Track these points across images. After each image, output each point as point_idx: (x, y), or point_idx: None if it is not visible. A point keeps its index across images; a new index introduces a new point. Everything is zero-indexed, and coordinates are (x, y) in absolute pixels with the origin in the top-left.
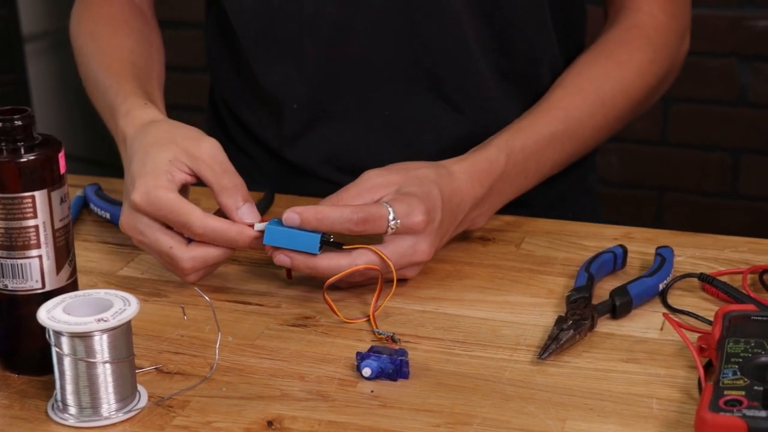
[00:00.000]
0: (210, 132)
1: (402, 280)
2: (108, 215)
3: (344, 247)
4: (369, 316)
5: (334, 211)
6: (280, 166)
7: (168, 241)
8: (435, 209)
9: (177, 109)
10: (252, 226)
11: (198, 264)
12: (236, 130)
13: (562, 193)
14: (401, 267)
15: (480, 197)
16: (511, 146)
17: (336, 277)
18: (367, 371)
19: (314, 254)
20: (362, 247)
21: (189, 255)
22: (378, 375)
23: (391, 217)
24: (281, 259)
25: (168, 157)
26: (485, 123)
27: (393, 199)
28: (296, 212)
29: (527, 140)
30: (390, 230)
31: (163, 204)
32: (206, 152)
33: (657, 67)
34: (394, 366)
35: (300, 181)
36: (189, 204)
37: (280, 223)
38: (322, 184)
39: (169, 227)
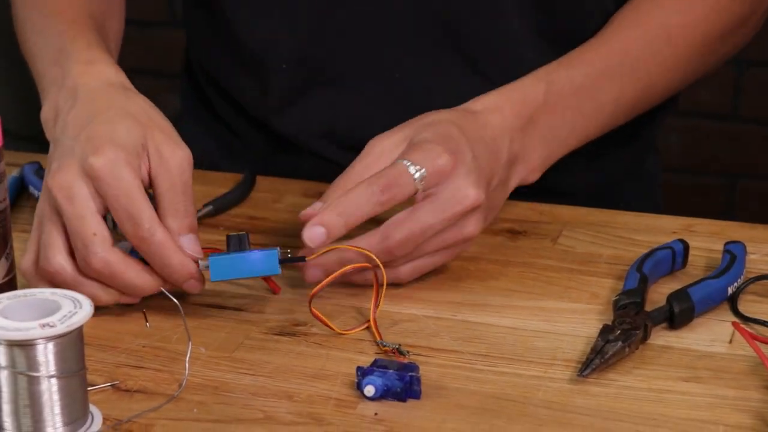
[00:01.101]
0: (185, 100)
1: (401, 286)
2: None
3: (307, 259)
4: (369, 323)
5: (351, 197)
6: (267, 141)
7: (96, 226)
8: (459, 147)
9: (129, 73)
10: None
11: (107, 271)
12: (215, 97)
13: (612, 179)
14: (454, 224)
15: (518, 129)
16: (553, 76)
17: (320, 286)
18: (370, 390)
19: (276, 274)
20: (338, 248)
21: (108, 255)
22: (383, 394)
23: (412, 170)
24: (314, 273)
25: (141, 139)
26: None
27: (405, 153)
28: (316, 224)
29: (574, 71)
30: (419, 186)
31: (124, 185)
32: (177, 163)
33: None
34: (402, 384)
35: (291, 159)
36: (149, 202)
37: (220, 254)
38: (317, 163)
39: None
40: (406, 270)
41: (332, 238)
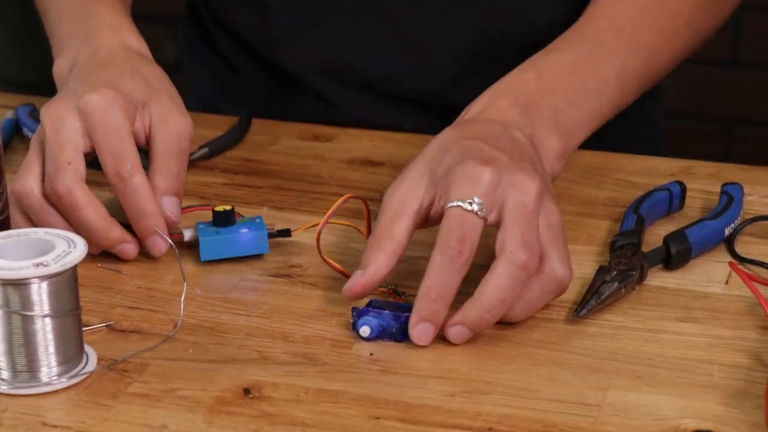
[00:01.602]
0: (188, 44)
1: None
2: None
3: (292, 232)
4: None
5: (433, 276)
6: (269, 78)
7: (73, 157)
8: (487, 154)
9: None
10: (179, 235)
11: (68, 200)
12: (218, 34)
13: (613, 121)
14: (541, 210)
15: (520, 116)
16: (540, 62)
17: (322, 222)
18: (365, 330)
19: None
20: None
21: (74, 185)
22: (379, 335)
23: (467, 206)
24: (459, 333)
25: (144, 98)
26: (516, 25)
27: (444, 193)
28: (420, 322)
29: (563, 54)
30: (483, 215)
31: (114, 124)
32: (178, 129)
33: None
34: (398, 324)
35: (291, 99)
36: (135, 147)
37: (208, 231)
38: (316, 102)
39: None
40: (559, 276)
41: (439, 327)
